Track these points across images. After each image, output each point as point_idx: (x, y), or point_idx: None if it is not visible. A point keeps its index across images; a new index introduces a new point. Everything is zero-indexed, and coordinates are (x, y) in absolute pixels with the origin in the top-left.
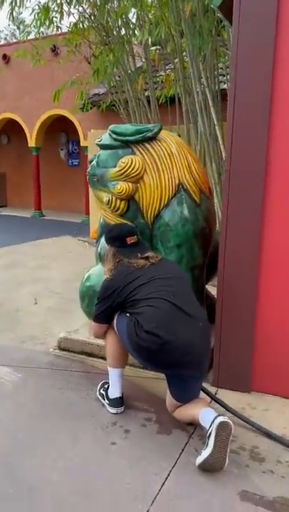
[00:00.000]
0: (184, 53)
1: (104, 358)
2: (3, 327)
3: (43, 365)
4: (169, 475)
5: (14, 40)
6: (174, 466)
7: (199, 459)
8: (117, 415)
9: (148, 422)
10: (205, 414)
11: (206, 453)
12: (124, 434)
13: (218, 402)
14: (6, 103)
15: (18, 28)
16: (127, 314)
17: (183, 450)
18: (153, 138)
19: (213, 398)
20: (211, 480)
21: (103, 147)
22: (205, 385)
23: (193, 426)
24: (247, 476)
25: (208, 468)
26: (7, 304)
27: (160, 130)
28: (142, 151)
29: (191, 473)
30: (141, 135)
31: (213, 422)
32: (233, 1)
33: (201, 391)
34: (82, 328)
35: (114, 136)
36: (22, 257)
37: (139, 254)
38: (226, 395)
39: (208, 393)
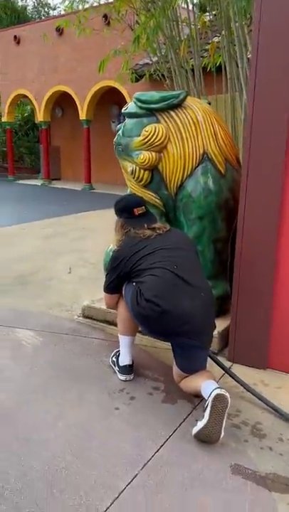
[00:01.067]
0: (230, 17)
1: None
2: (35, 294)
3: (65, 330)
4: (165, 442)
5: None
6: (172, 434)
7: (195, 429)
8: (125, 382)
9: (155, 390)
10: (206, 385)
11: (201, 424)
12: (129, 400)
13: (229, 375)
14: (59, 75)
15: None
16: (133, 283)
17: (184, 420)
18: (178, 105)
19: (225, 370)
20: (206, 451)
21: (129, 115)
22: (221, 359)
23: (199, 397)
24: (244, 451)
25: (203, 439)
26: (42, 272)
27: (186, 97)
28: (166, 119)
29: (187, 443)
30: (165, 102)
31: (210, 394)
32: None
33: (215, 364)
34: None
35: (139, 104)
36: (64, 228)
37: (145, 225)
38: (240, 371)
39: (221, 365)
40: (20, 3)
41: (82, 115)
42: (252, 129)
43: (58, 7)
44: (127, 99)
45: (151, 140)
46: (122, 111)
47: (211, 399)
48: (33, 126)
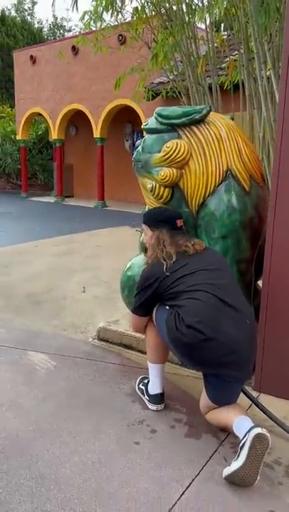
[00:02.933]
0: (249, 34)
1: (141, 351)
2: (49, 313)
3: (80, 354)
4: (190, 484)
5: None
6: (197, 474)
7: (227, 470)
8: (145, 413)
9: (177, 423)
10: (240, 422)
11: (236, 464)
12: (150, 434)
13: (258, 406)
14: (73, 94)
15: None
16: (167, 307)
17: (210, 457)
18: (201, 121)
19: (254, 401)
20: (237, 495)
21: (149, 131)
22: (246, 388)
23: (225, 432)
24: (279, 496)
25: (237, 482)
26: (56, 290)
27: (209, 112)
28: (188, 135)
29: (216, 485)
30: (188, 118)
31: (248, 432)
32: None
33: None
34: (122, 318)
35: (160, 119)
36: (78, 246)
37: (182, 242)
38: (267, 401)
39: (248, 395)
40: (36, 25)
41: (97, 133)
42: (282, 143)
43: (74, 29)
44: (142, 117)
45: (173, 156)
46: (142, 126)
47: (250, 438)
48: (46, 144)
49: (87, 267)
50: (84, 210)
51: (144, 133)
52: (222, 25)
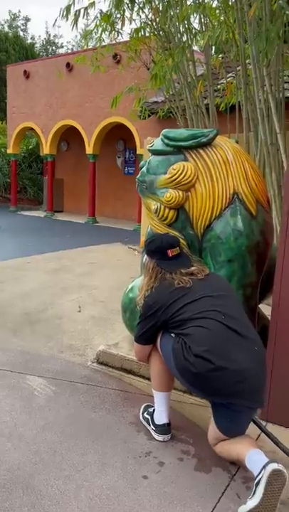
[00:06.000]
0: (248, 60)
1: (142, 377)
2: (45, 334)
3: (79, 379)
4: None
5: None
6: None
7: (243, 509)
8: (151, 444)
9: (185, 455)
10: (254, 456)
11: (252, 503)
12: (158, 467)
13: (269, 437)
14: (67, 110)
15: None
16: (172, 335)
17: (223, 494)
18: (208, 144)
19: (265, 432)
20: None
21: (154, 152)
22: None
23: (236, 465)
24: None
25: None
26: (51, 309)
27: (216, 136)
28: (195, 157)
29: None
30: (195, 140)
31: (264, 467)
32: None
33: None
34: (122, 341)
35: (166, 141)
36: (71, 263)
37: (182, 270)
38: (275, 432)
39: (259, 426)
40: (28, 41)
41: (89, 150)
42: None
43: (65, 45)
44: (136, 135)
45: (179, 178)
46: (148, 147)
47: (266, 474)
48: (36, 158)
49: (82, 285)
50: (75, 225)
51: (149, 154)
52: (215, 47)
